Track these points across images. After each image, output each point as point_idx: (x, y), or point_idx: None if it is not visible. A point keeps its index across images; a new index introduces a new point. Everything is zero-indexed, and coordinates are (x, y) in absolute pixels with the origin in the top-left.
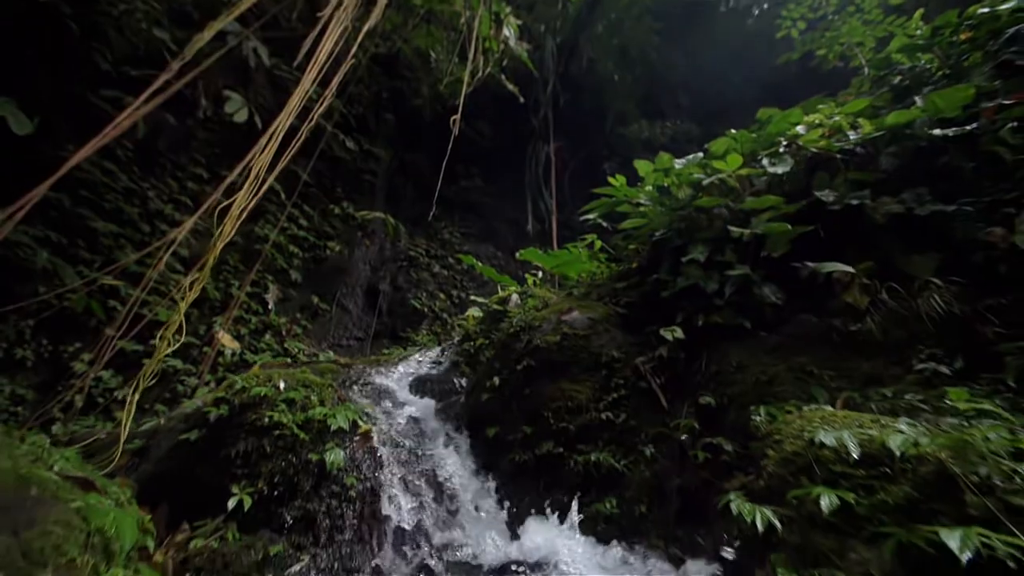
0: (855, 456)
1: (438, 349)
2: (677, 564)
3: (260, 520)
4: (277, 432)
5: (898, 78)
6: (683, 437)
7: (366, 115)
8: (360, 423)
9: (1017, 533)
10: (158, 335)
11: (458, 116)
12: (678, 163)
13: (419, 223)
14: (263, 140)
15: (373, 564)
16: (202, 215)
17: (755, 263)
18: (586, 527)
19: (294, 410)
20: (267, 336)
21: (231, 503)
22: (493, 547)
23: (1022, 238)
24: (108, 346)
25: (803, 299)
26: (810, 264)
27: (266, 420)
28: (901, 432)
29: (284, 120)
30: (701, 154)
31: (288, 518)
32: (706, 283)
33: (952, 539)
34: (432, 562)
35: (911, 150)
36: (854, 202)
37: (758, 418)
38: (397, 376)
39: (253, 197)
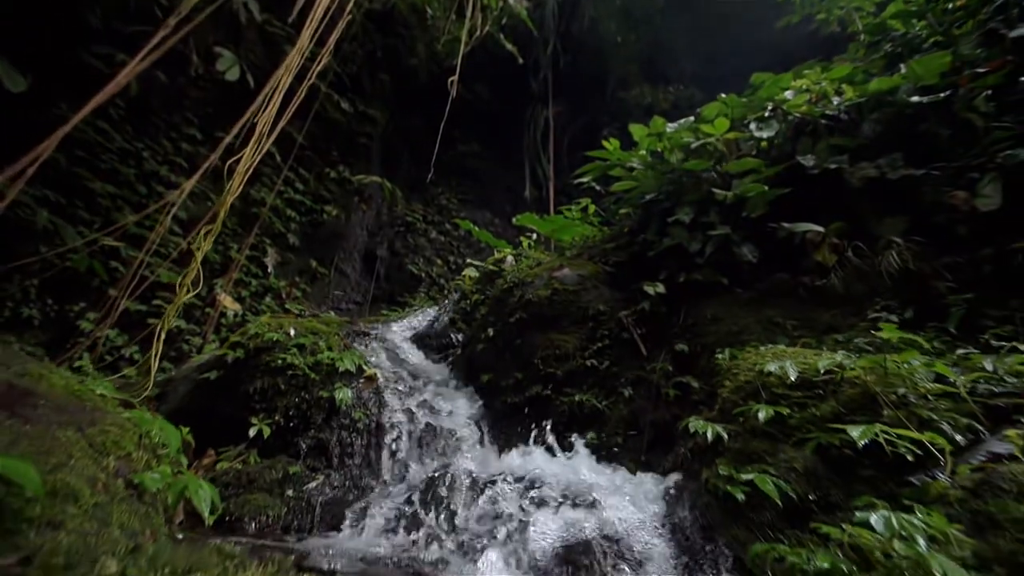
0: (792, 379)
1: (435, 309)
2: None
3: (278, 448)
4: (290, 372)
5: (890, 45)
6: (658, 379)
7: (360, 75)
8: (365, 368)
9: (913, 430)
10: (177, 282)
11: (456, 77)
12: (670, 127)
13: (416, 188)
14: (262, 96)
15: (380, 480)
16: (199, 179)
17: (736, 224)
18: (568, 454)
19: (304, 354)
20: (267, 298)
21: (252, 432)
22: (484, 466)
23: (982, 201)
24: (115, 306)
25: (778, 258)
26: (786, 225)
27: (279, 362)
28: (831, 358)
29: (284, 76)
30: (693, 118)
31: (303, 446)
32: (689, 243)
33: (855, 431)
34: (432, 477)
35: (892, 117)
36: (832, 166)
37: (720, 356)
38: (397, 332)
39: (258, 154)
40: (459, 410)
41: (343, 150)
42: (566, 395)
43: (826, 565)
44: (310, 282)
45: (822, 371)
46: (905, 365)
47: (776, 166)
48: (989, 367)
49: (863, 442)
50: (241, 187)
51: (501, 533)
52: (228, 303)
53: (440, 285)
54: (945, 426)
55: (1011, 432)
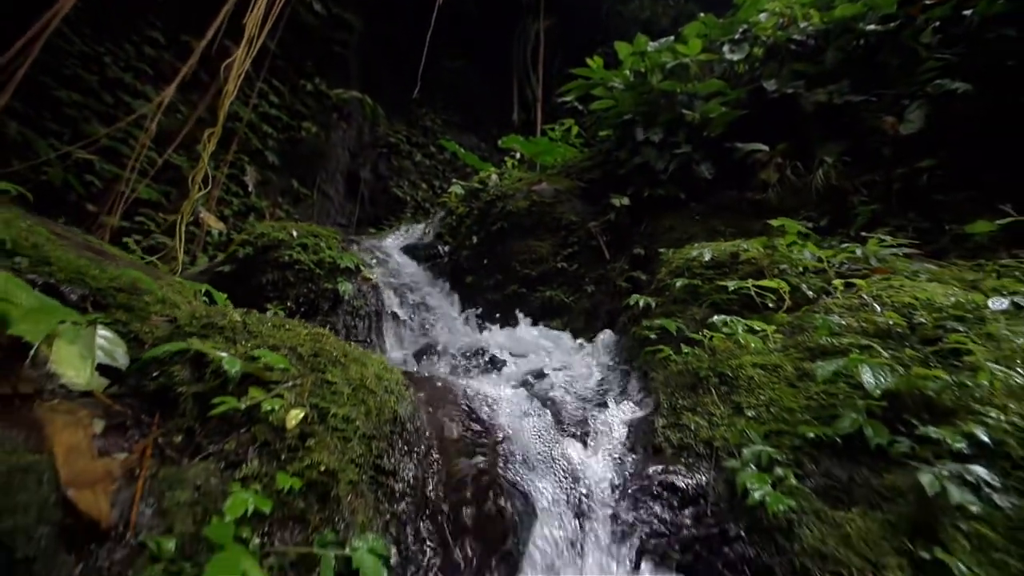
0: (706, 260)
1: (422, 225)
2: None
3: None
4: (297, 267)
5: None
6: (616, 277)
7: None
8: (362, 268)
9: (775, 281)
10: (189, 178)
11: None
12: (652, 46)
13: (399, 108)
14: None
15: (383, 352)
16: (168, 88)
17: (698, 144)
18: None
19: (308, 252)
20: (251, 218)
21: (268, 315)
22: (467, 343)
23: (906, 125)
24: (96, 223)
25: (732, 176)
26: (739, 145)
27: (286, 257)
28: (736, 244)
29: None
30: (673, 37)
31: None
32: (656, 161)
33: (731, 284)
34: (426, 345)
35: (852, 45)
36: (789, 91)
37: (664, 252)
38: (388, 244)
39: (248, 57)
40: (446, 304)
41: (317, 61)
42: (539, 292)
43: (686, 350)
44: (293, 203)
45: (727, 253)
46: (790, 249)
47: (741, 89)
48: (859, 253)
49: (732, 288)
50: (236, 91)
51: (484, 367)
52: (212, 222)
53: (425, 209)
54: (803, 286)
55: (860, 282)
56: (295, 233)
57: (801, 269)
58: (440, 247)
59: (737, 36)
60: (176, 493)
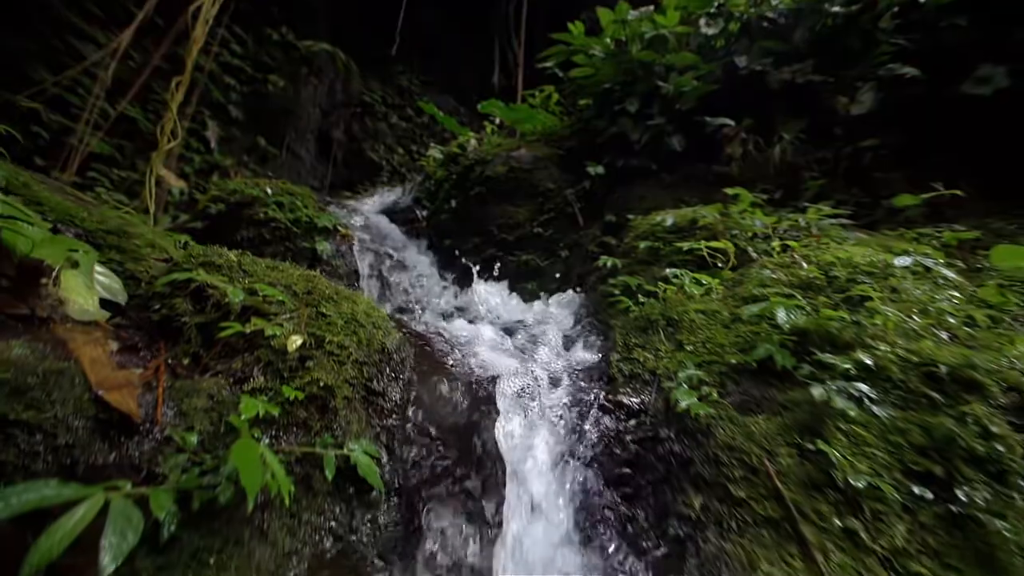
0: (668, 225)
1: (400, 189)
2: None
3: None
4: (273, 224)
5: None
6: (588, 243)
7: None
8: (340, 228)
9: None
10: (157, 129)
11: None
12: (633, 15)
13: (374, 66)
14: None
15: None
16: (122, 35)
17: (670, 116)
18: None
19: (284, 210)
20: (214, 177)
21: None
22: (445, 302)
23: (856, 106)
24: (48, 178)
25: (702, 149)
26: (708, 119)
27: (261, 215)
28: (695, 211)
29: None
30: (653, 7)
31: None
32: (632, 132)
33: (686, 245)
34: (405, 302)
35: (820, 25)
36: (758, 68)
37: (633, 219)
38: (365, 207)
39: (216, 2)
40: (424, 265)
41: (283, 7)
42: (515, 255)
43: (643, 300)
44: (260, 161)
45: (688, 219)
46: (742, 216)
47: (714, 63)
48: (802, 222)
49: (687, 249)
50: (204, 38)
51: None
52: (172, 179)
53: (402, 175)
54: (749, 248)
55: (793, 243)
56: (269, 191)
57: (750, 234)
58: (418, 211)
59: (713, 10)
60: (193, 400)
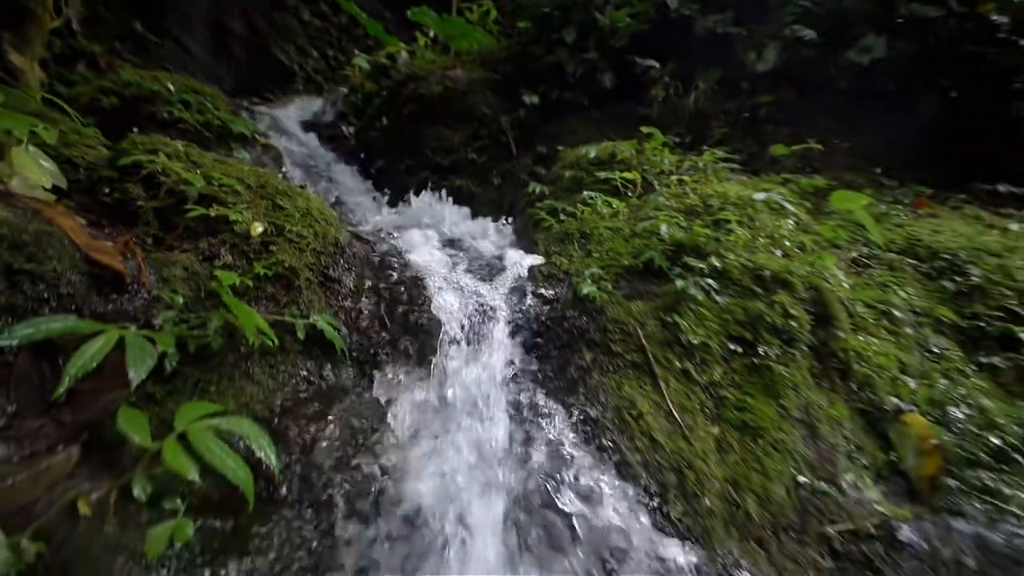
0: (591, 157)
1: (320, 101)
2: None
3: None
4: (181, 126)
5: None
6: (520, 172)
7: None
8: (259, 137)
9: (638, 178)
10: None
11: None
12: None
13: None
14: None
15: None
16: None
17: (604, 51)
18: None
19: (191, 111)
20: (81, 67)
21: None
22: (381, 219)
23: (762, 64)
24: None
25: (630, 88)
26: (638, 59)
27: (165, 115)
28: (614, 145)
29: None
30: None
31: None
32: (568, 63)
33: (603, 175)
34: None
35: None
36: (687, 12)
37: (562, 150)
38: (283, 117)
39: None
40: (355, 184)
41: None
42: (449, 180)
43: (563, 219)
44: (137, 51)
45: (608, 152)
46: (653, 153)
47: (648, 2)
48: (700, 164)
49: (603, 178)
50: None
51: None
52: (17, 60)
53: (317, 83)
54: (654, 181)
55: (686, 178)
56: (172, 86)
57: (657, 170)
58: (344, 127)
59: None
60: (171, 269)
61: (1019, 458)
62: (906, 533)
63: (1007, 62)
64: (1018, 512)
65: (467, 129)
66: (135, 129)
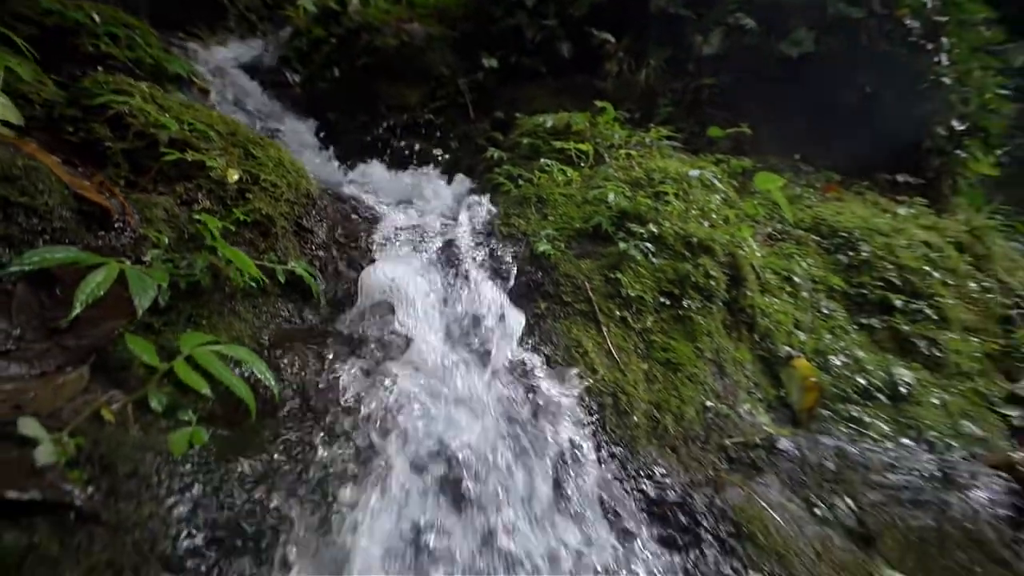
0: (548, 126)
1: (260, 43)
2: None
3: None
4: (109, 63)
5: None
6: (478, 136)
7: None
8: (196, 79)
9: (589, 148)
10: None
11: None
12: None
13: None
14: None
15: None
16: None
17: (563, 19)
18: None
19: (120, 46)
20: None
21: None
22: (335, 179)
23: (708, 47)
24: None
25: (587, 60)
26: (595, 32)
27: (91, 48)
28: (570, 115)
29: None
30: None
31: None
32: (527, 29)
33: (559, 144)
34: None
35: None
36: None
37: (520, 117)
38: (219, 58)
39: None
40: (306, 137)
41: None
42: (405, 140)
43: (521, 184)
44: None
45: (564, 123)
46: (605, 126)
47: None
48: (647, 140)
49: (559, 147)
50: None
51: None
52: None
53: (251, 22)
54: (604, 153)
55: (633, 152)
56: (97, 18)
57: (608, 143)
58: (289, 74)
59: None
60: (154, 211)
61: (881, 397)
62: (784, 443)
63: (915, 65)
64: (874, 436)
65: (424, 88)
66: (61, 65)
